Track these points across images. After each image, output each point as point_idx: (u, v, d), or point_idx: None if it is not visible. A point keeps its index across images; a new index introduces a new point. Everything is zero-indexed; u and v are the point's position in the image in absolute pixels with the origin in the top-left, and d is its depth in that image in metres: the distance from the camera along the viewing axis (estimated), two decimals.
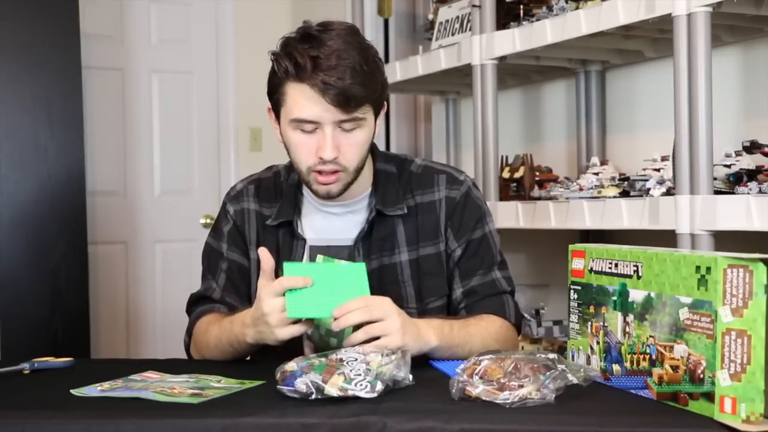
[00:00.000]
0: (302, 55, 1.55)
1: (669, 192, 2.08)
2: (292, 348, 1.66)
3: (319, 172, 1.61)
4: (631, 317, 1.32)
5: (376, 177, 1.73)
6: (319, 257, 1.70)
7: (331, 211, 1.72)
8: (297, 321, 1.47)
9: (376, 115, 1.65)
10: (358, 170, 1.65)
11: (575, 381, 1.26)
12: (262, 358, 1.64)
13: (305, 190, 1.73)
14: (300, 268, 1.56)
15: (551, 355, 1.30)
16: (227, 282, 1.74)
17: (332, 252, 1.70)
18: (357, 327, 1.47)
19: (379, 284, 1.66)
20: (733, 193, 1.92)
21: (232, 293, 1.74)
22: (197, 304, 1.77)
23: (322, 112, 1.56)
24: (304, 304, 1.47)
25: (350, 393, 1.25)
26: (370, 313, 1.45)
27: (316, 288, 1.48)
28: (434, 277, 1.71)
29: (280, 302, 1.46)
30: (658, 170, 2.18)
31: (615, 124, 2.77)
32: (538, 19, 2.47)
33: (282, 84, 1.59)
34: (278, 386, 1.29)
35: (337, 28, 1.59)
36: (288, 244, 1.72)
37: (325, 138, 1.58)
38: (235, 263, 1.75)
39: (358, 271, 1.53)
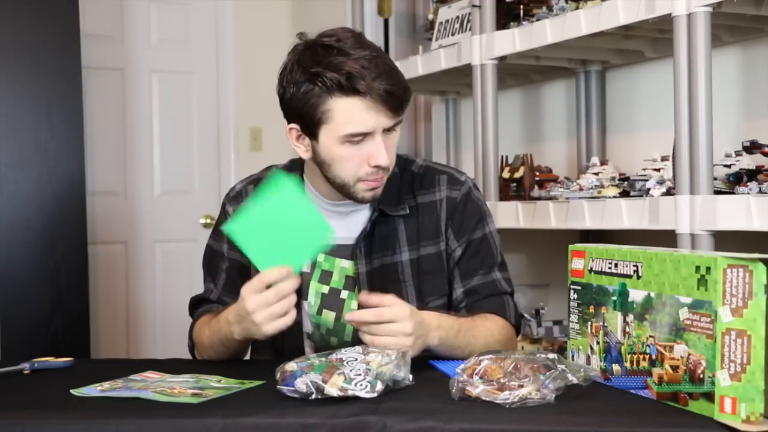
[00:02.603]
0: (351, 66, 1.52)
1: (669, 192, 2.08)
2: (292, 348, 1.67)
3: (369, 180, 1.61)
4: (631, 317, 1.32)
5: None
6: (320, 257, 1.70)
7: (334, 210, 1.72)
8: (283, 314, 1.47)
9: None
10: None
11: (575, 381, 1.26)
12: (262, 358, 1.64)
13: (307, 189, 1.73)
14: (287, 184, 1.51)
15: (551, 355, 1.30)
16: (227, 281, 1.75)
17: (335, 251, 1.70)
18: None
19: (381, 284, 1.67)
20: (733, 193, 1.92)
21: (231, 292, 1.73)
22: (197, 307, 1.78)
23: (377, 120, 1.55)
24: (271, 256, 1.48)
25: (350, 393, 1.25)
26: (380, 315, 1.46)
27: (273, 234, 1.49)
28: (435, 277, 1.71)
29: (261, 299, 1.46)
30: (658, 170, 2.18)
31: (615, 124, 2.77)
32: (538, 19, 2.47)
33: (325, 101, 1.54)
34: (278, 386, 1.29)
35: (348, 35, 1.58)
36: None
37: (378, 146, 1.57)
38: (236, 262, 1.75)
39: (323, 231, 1.50)
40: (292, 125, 1.63)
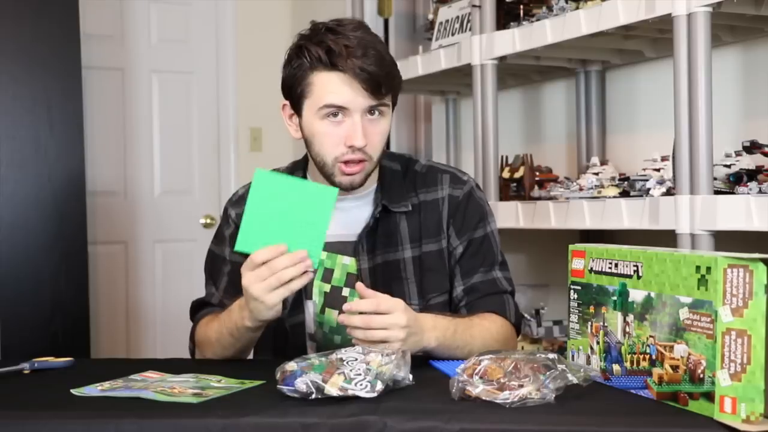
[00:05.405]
0: (336, 42, 1.57)
1: (669, 192, 2.08)
2: (294, 348, 1.67)
3: (345, 162, 1.62)
4: (631, 317, 1.32)
5: (381, 174, 1.74)
6: (322, 254, 1.69)
7: (337, 206, 1.72)
8: (281, 286, 1.46)
9: (393, 108, 1.67)
10: (378, 162, 1.67)
11: (575, 381, 1.26)
12: (262, 358, 1.64)
13: None
14: (270, 177, 1.52)
15: (551, 355, 1.30)
16: (229, 284, 1.75)
17: (336, 247, 1.70)
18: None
19: (383, 280, 1.67)
20: (733, 193, 1.92)
21: (233, 296, 1.73)
22: (198, 310, 1.78)
23: (353, 97, 1.58)
24: (256, 236, 1.48)
25: (350, 393, 1.25)
26: (377, 305, 1.45)
27: (276, 213, 1.49)
28: (436, 274, 1.72)
29: (254, 274, 1.47)
30: (658, 170, 2.18)
31: (615, 124, 2.77)
32: (538, 19, 2.47)
33: (307, 74, 1.60)
34: (278, 386, 1.29)
35: (354, 23, 1.63)
36: None
37: (355, 125, 1.59)
38: (238, 265, 1.74)
39: (327, 196, 1.50)
40: (285, 102, 1.68)
